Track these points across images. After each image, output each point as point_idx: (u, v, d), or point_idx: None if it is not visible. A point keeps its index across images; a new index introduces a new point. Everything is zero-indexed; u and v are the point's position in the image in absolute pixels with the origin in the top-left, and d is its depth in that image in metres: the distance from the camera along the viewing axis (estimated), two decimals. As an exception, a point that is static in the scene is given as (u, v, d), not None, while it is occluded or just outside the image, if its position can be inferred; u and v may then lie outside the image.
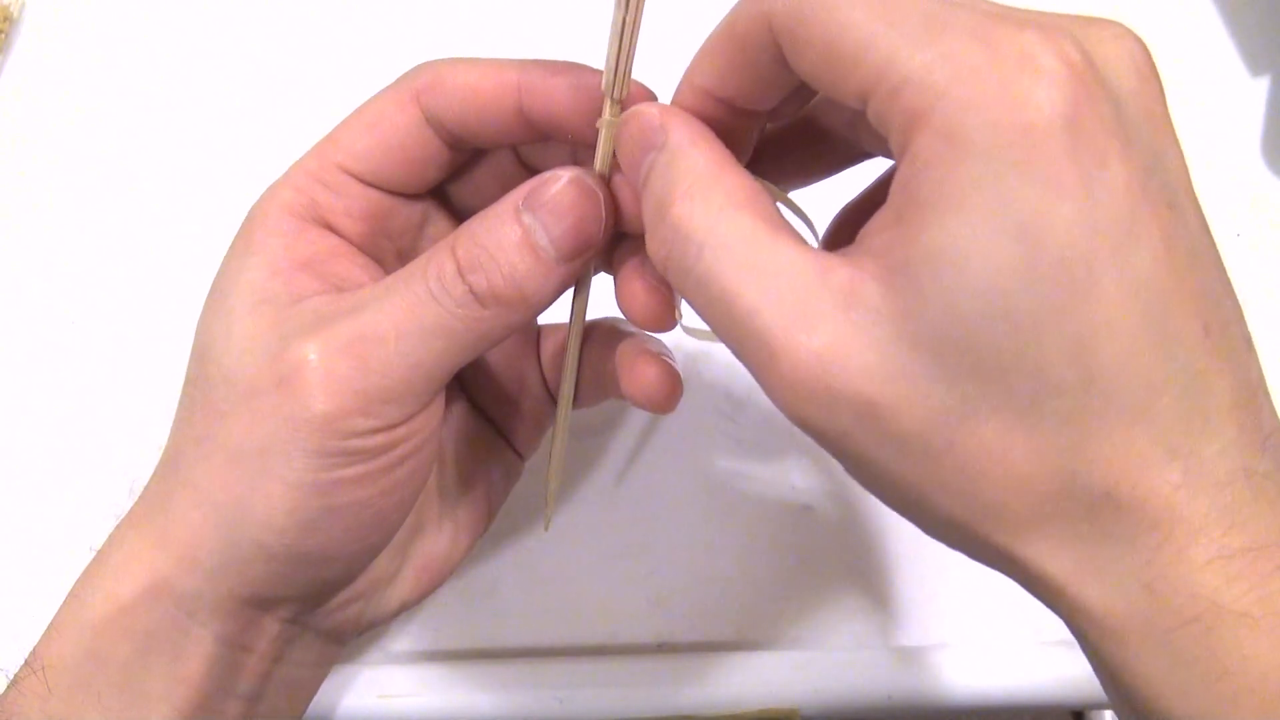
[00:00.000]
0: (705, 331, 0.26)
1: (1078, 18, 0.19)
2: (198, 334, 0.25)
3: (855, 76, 0.18)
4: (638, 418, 0.38)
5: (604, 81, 0.23)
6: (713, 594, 0.35)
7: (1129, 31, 0.19)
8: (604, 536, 0.36)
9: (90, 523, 0.35)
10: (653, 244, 0.21)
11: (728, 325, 0.20)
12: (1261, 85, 0.45)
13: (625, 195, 0.24)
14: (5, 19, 0.43)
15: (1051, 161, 0.17)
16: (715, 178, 0.21)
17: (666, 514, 0.36)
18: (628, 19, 0.21)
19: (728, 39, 0.21)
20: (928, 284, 0.18)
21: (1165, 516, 0.17)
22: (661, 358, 0.26)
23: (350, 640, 0.29)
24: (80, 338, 0.38)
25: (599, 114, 0.23)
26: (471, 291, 0.23)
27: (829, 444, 0.20)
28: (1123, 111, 0.18)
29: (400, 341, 0.23)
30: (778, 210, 0.21)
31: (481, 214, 0.24)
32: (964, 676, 0.34)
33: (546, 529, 0.34)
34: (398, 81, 0.25)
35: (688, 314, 0.24)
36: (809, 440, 0.20)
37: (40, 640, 0.24)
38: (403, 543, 0.28)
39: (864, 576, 0.36)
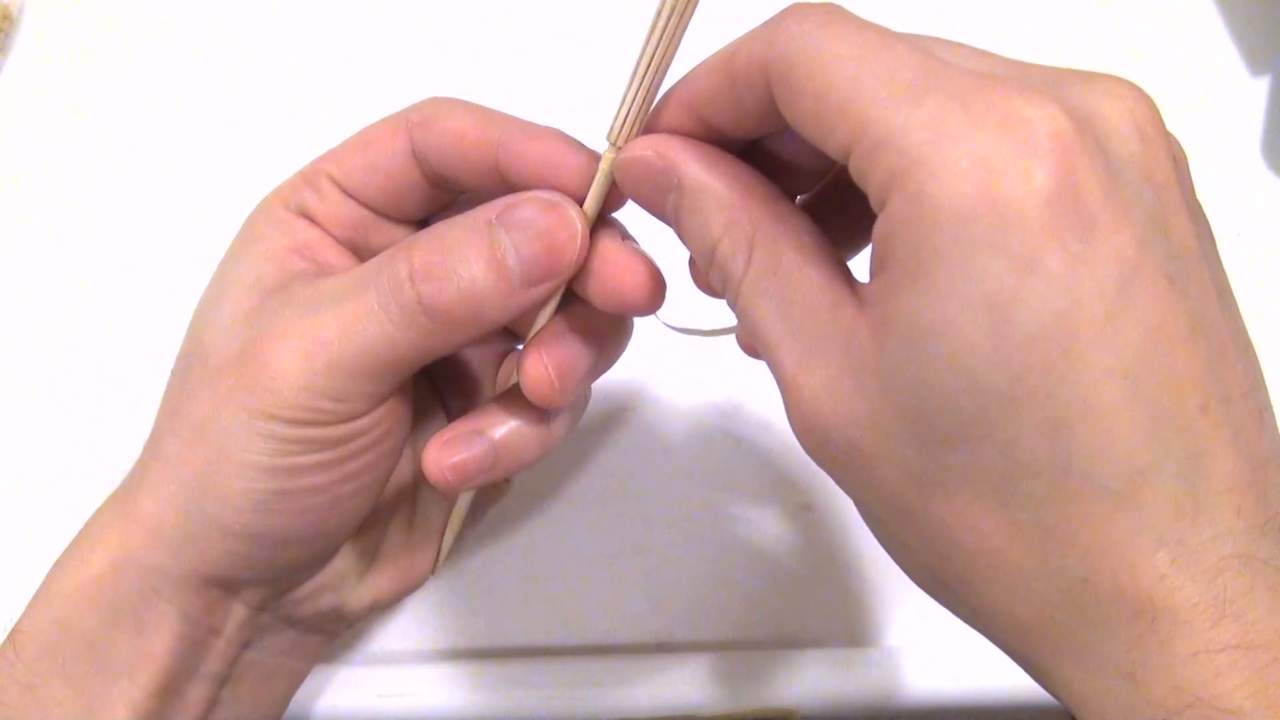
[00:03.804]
0: (689, 329, 0.26)
1: (1079, 74, 0.18)
2: (194, 312, 0.25)
3: (840, 130, 0.18)
4: (637, 416, 0.38)
5: (611, 128, 0.22)
6: (712, 594, 0.35)
7: (1134, 89, 0.18)
8: (604, 536, 0.36)
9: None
10: (707, 280, 0.22)
11: (764, 356, 0.21)
12: (1261, 85, 0.45)
13: (595, 255, 0.24)
14: (5, 19, 0.43)
15: (1025, 237, 0.16)
16: (744, 209, 0.21)
17: (666, 514, 0.36)
18: (648, 69, 0.21)
19: (724, 71, 0.21)
20: (902, 348, 0.17)
21: (1147, 608, 0.17)
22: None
23: (331, 636, 0.29)
24: (80, 336, 0.38)
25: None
26: (420, 301, 0.22)
27: (831, 475, 0.20)
28: (1119, 178, 0.17)
29: (343, 345, 0.23)
30: (807, 227, 0.21)
31: (449, 221, 0.24)
32: (963, 676, 0.34)
33: (433, 573, 0.32)
34: (402, 110, 0.26)
35: (668, 311, 0.24)
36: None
37: (22, 611, 0.24)
38: (374, 541, 0.28)
39: (863, 576, 0.36)
